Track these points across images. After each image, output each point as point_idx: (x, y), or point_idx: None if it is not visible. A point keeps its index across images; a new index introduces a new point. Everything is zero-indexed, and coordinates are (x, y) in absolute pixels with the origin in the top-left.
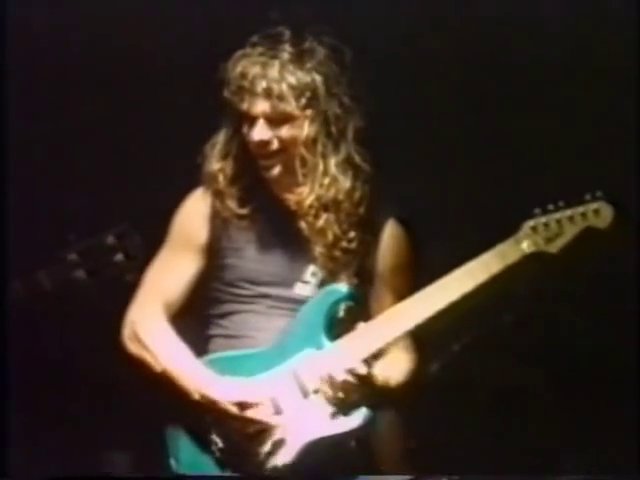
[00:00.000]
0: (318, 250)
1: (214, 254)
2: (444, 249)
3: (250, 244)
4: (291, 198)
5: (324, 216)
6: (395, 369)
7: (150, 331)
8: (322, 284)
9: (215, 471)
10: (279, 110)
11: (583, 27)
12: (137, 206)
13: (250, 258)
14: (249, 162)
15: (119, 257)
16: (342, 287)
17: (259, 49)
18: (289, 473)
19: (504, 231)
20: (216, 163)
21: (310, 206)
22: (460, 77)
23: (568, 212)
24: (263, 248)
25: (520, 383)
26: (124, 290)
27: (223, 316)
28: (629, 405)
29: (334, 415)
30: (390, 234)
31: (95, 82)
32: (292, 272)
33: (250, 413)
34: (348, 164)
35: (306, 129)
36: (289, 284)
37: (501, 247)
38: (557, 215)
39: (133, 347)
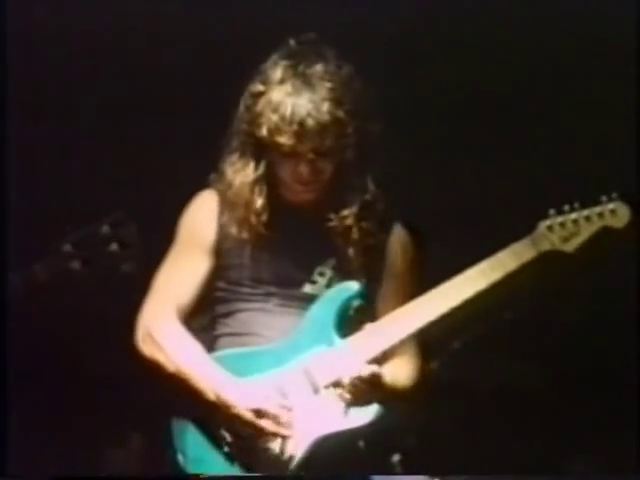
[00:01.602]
0: (345, 254)
1: (221, 254)
2: (459, 251)
3: (257, 245)
4: (330, 222)
5: (361, 225)
6: (403, 370)
7: (163, 332)
8: (330, 283)
9: (223, 467)
10: (328, 145)
11: (598, 26)
12: (133, 195)
13: (257, 258)
14: (275, 184)
15: (114, 246)
16: (353, 285)
17: (293, 83)
18: (300, 469)
19: (519, 233)
20: (246, 194)
21: (351, 226)
22: (477, 79)
23: (585, 212)
24: (270, 249)
25: (520, 382)
26: (120, 279)
27: (230, 315)
28: (629, 405)
29: (345, 411)
30: (397, 237)
31: (97, 76)
32: (300, 272)
33: (265, 424)
34: (377, 173)
35: (351, 155)
36: (297, 284)
37: (516, 246)
38: (573, 215)
39: (147, 349)
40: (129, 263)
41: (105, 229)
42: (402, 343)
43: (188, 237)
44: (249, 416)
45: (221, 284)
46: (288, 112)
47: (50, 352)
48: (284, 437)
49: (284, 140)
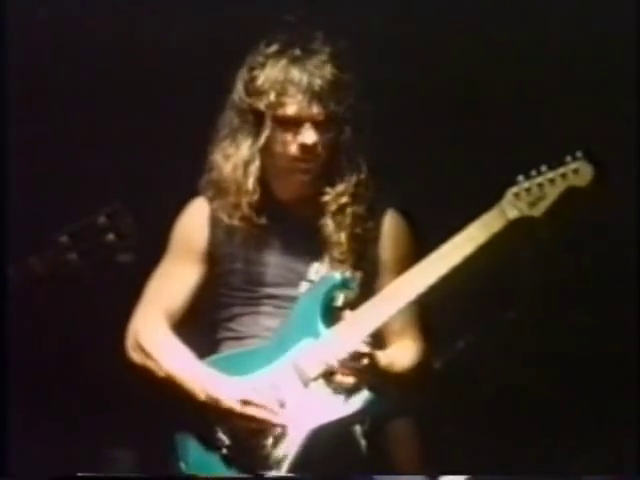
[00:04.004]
0: (338, 243)
1: (217, 261)
2: (434, 229)
3: (253, 248)
4: (325, 195)
5: (353, 208)
6: (400, 354)
7: (152, 338)
8: None
9: (222, 469)
10: (331, 111)
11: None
12: (130, 186)
13: (254, 261)
14: (265, 169)
15: (110, 237)
16: (336, 275)
17: (293, 52)
18: (295, 466)
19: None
20: (237, 176)
21: (345, 204)
22: (437, 55)
23: (549, 175)
24: (266, 251)
25: (522, 382)
26: (117, 270)
27: (231, 319)
28: (629, 405)
29: (335, 401)
30: (390, 223)
31: (96, 74)
32: (296, 272)
33: (254, 411)
34: (368, 155)
35: (350, 128)
36: (294, 284)
37: (485, 217)
38: (539, 179)
39: (136, 356)
40: (126, 253)
41: (102, 220)
42: (384, 325)
43: (180, 245)
44: (238, 407)
45: (221, 290)
46: (296, 76)
47: (49, 347)
48: (275, 425)
49: (293, 102)
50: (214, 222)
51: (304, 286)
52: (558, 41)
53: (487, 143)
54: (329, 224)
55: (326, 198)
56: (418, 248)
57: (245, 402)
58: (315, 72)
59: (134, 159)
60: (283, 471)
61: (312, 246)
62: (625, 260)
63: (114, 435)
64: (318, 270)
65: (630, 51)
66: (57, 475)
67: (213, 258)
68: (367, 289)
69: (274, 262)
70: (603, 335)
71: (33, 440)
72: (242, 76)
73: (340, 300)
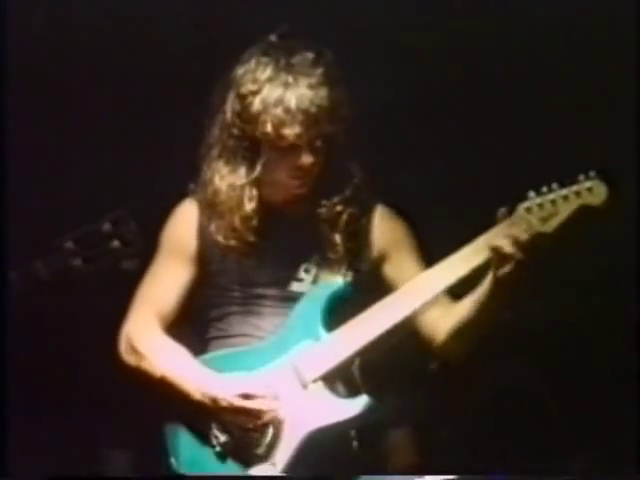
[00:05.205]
0: (332, 243)
1: (206, 261)
2: (440, 239)
3: (243, 251)
4: (321, 208)
5: (348, 211)
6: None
7: (145, 339)
8: (315, 279)
9: (216, 466)
10: (330, 130)
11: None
12: (134, 193)
13: (243, 262)
14: (260, 189)
15: (115, 244)
16: (338, 280)
17: (287, 75)
18: (290, 466)
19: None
20: (234, 200)
21: (340, 211)
22: (449, 59)
23: (562, 192)
24: (255, 251)
25: (520, 382)
26: (121, 277)
27: (221, 318)
28: (629, 405)
29: (334, 404)
30: (381, 216)
31: (97, 75)
32: (286, 272)
33: (252, 405)
34: (361, 160)
35: (344, 143)
36: (284, 284)
37: (495, 230)
38: (551, 196)
39: (131, 359)
40: (130, 260)
41: (106, 226)
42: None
43: (169, 247)
44: (237, 401)
45: (211, 290)
46: (293, 103)
47: (50, 351)
48: (273, 417)
49: (290, 131)
50: (203, 223)
51: (295, 285)
52: (577, 56)
53: (489, 156)
54: (323, 226)
55: (322, 210)
56: (413, 234)
57: (242, 396)
58: (311, 97)
59: (138, 166)
60: (278, 471)
61: (303, 245)
62: (624, 259)
63: (113, 436)
64: (307, 268)
65: None
66: (56, 475)
67: (202, 259)
68: (362, 287)
69: (263, 262)
70: (603, 335)
71: (32, 440)
72: (232, 101)
73: (341, 304)
